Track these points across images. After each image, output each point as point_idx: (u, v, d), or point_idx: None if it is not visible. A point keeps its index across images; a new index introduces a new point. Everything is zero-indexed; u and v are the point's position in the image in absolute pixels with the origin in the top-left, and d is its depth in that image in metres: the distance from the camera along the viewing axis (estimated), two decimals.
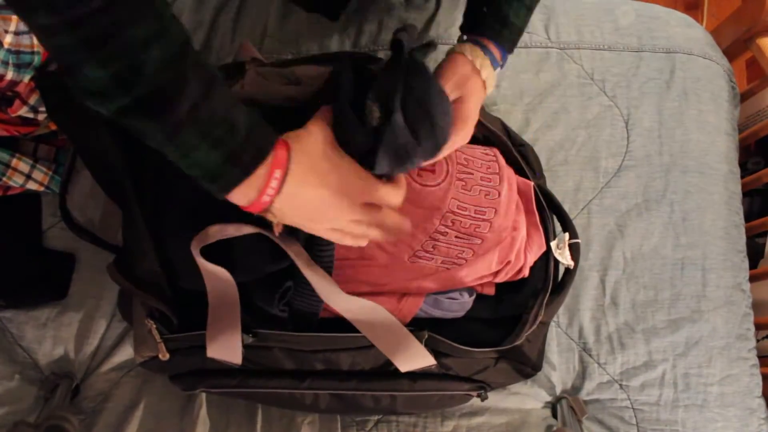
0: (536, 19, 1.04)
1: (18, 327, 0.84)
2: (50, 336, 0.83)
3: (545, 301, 0.71)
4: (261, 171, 0.49)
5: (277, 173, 0.49)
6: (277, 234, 0.60)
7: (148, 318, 0.69)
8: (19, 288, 0.83)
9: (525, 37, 1.02)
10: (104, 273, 0.85)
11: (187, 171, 0.48)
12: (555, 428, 0.83)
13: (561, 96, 1.00)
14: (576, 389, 0.88)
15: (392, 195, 0.56)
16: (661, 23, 1.07)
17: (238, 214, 0.58)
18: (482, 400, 0.79)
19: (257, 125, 0.49)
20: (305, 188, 0.52)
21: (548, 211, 0.77)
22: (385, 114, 0.54)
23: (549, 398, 0.87)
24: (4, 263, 0.84)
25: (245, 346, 0.69)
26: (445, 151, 0.64)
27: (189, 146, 0.45)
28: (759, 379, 0.90)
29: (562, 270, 0.77)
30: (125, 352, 0.83)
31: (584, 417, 0.83)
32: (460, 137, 0.65)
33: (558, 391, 0.87)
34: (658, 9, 1.09)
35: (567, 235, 0.72)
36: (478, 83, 0.66)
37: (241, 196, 0.50)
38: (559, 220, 0.78)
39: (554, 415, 0.85)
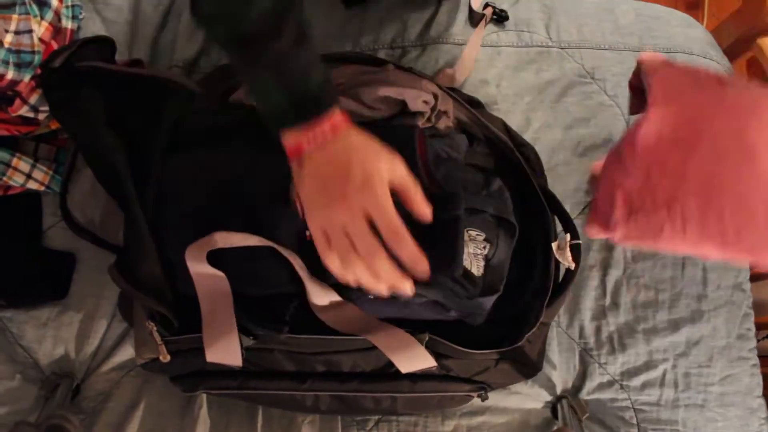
0: (537, 19, 1.04)
1: (18, 327, 0.84)
2: (51, 336, 0.83)
3: (546, 302, 0.71)
4: (318, 123, 0.53)
5: (329, 131, 0.53)
6: (291, 198, 0.61)
7: (149, 320, 0.69)
8: (19, 287, 0.83)
9: (525, 36, 1.02)
10: (105, 273, 0.85)
11: (251, 98, 0.54)
12: (555, 428, 0.83)
13: (561, 95, 1.00)
14: (576, 389, 0.88)
15: (401, 234, 0.53)
16: (662, 23, 1.06)
17: (244, 220, 0.58)
18: (483, 401, 0.79)
19: (328, 86, 0.55)
20: (340, 158, 0.53)
21: (549, 211, 0.77)
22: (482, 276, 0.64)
23: (549, 398, 0.87)
24: (4, 263, 0.84)
25: (246, 348, 0.69)
26: None
27: (263, 86, 0.52)
28: (759, 379, 0.90)
29: (562, 269, 0.77)
30: (126, 352, 0.83)
31: (585, 417, 0.83)
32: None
33: (558, 390, 0.87)
34: (659, 8, 1.09)
35: (568, 236, 0.72)
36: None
37: (291, 137, 0.54)
38: (561, 221, 0.78)
39: (555, 415, 0.85)
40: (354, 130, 0.55)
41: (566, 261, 0.72)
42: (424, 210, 0.55)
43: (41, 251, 0.86)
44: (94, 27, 0.98)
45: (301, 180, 0.55)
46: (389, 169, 0.53)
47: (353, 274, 0.54)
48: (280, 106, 0.53)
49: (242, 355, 0.69)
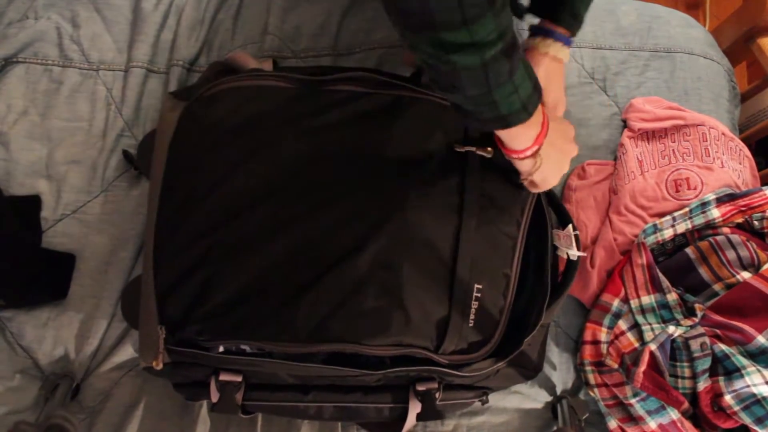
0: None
1: (18, 327, 0.83)
2: (50, 336, 0.83)
3: (546, 305, 0.71)
4: (540, 106, 0.61)
5: (545, 111, 0.64)
6: (526, 183, 0.70)
7: (161, 325, 0.68)
8: (19, 288, 0.83)
9: (525, 35, 1.02)
10: (104, 273, 0.86)
11: (503, 109, 0.56)
12: (555, 428, 0.83)
13: None
14: (576, 389, 0.88)
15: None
16: (662, 23, 1.06)
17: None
18: (483, 404, 0.79)
19: None
20: (558, 135, 0.66)
21: (548, 207, 0.77)
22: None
23: (549, 398, 0.86)
24: (4, 263, 0.83)
25: (249, 361, 0.70)
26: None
27: (521, 78, 0.55)
28: None
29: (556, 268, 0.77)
30: (125, 352, 0.83)
31: (584, 417, 0.83)
32: (560, 111, 0.79)
33: (558, 390, 0.87)
34: (659, 9, 1.09)
35: (570, 226, 0.72)
36: (559, 68, 0.78)
37: (529, 130, 0.61)
38: (558, 216, 0.78)
39: (554, 415, 0.85)
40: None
41: (573, 250, 0.71)
42: None
43: (41, 251, 0.86)
44: (94, 27, 0.98)
45: (544, 163, 0.66)
46: None
47: None
48: (529, 92, 0.57)
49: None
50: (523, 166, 0.67)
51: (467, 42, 0.48)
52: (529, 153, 0.64)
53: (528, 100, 0.57)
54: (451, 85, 0.53)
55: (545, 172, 0.67)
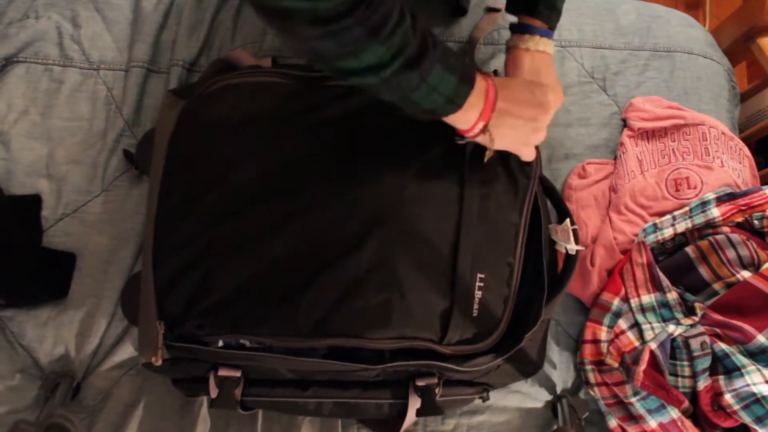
0: None
1: (18, 326, 0.84)
2: (51, 335, 0.83)
3: (545, 299, 0.71)
4: (480, 84, 0.59)
5: (491, 87, 0.61)
6: (486, 160, 0.69)
7: (159, 321, 0.68)
8: (19, 287, 0.83)
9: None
10: (104, 272, 0.86)
11: (427, 106, 0.57)
12: (555, 427, 0.83)
13: None
14: (576, 388, 0.88)
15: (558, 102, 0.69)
16: (662, 22, 1.07)
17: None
18: (483, 401, 0.79)
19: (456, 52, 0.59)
20: (514, 103, 0.63)
21: (544, 200, 0.77)
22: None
23: (549, 397, 0.87)
24: (4, 262, 0.84)
25: (247, 356, 0.69)
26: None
27: (437, 78, 0.55)
28: None
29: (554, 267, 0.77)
30: (126, 351, 0.83)
31: (585, 416, 0.83)
32: (557, 105, 0.76)
33: (558, 390, 0.87)
34: (659, 8, 1.10)
35: (568, 220, 0.72)
36: (545, 59, 0.77)
37: (467, 114, 0.60)
38: (557, 211, 0.78)
39: (555, 414, 0.85)
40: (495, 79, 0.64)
41: (571, 244, 0.71)
42: None
43: (41, 251, 0.86)
44: (95, 26, 0.98)
45: (497, 138, 0.64)
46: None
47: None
48: (455, 85, 0.57)
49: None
50: (481, 142, 0.65)
51: (360, 68, 0.51)
52: (476, 131, 0.63)
53: (454, 94, 0.57)
54: (370, 91, 0.55)
55: (506, 145, 0.66)
